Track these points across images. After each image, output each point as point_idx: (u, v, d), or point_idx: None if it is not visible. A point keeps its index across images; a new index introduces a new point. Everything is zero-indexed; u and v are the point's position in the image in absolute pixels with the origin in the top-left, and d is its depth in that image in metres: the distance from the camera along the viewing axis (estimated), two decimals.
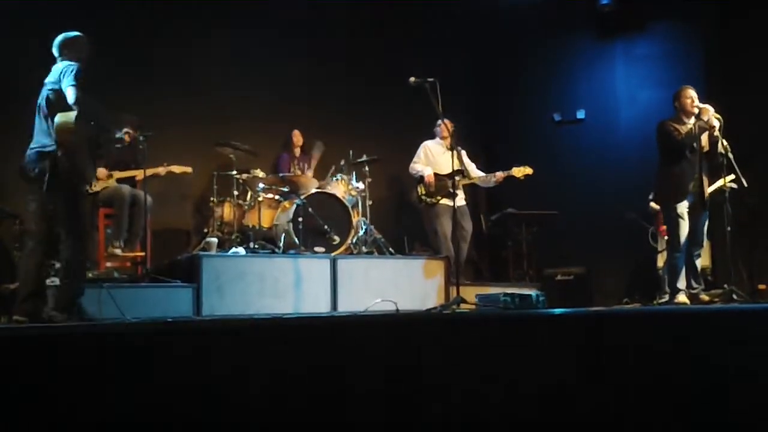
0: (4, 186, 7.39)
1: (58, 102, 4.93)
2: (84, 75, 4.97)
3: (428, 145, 8.22)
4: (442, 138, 7.99)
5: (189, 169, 7.47)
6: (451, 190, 6.80)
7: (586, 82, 9.70)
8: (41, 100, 5.04)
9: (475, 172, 8.18)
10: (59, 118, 4.85)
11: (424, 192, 8.03)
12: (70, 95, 4.85)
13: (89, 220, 5.19)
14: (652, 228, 8.46)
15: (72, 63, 5.02)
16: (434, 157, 8.10)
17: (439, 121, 7.17)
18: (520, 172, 7.94)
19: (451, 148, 6.48)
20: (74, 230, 5.04)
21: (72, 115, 4.84)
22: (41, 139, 5.01)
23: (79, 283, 5.09)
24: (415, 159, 8.22)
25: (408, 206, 8.91)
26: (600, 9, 9.29)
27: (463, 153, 7.83)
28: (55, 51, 5.22)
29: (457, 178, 7.63)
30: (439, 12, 9.48)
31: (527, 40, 9.73)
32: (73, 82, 4.86)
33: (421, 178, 8.06)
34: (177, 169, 7.37)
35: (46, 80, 5.10)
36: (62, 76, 4.94)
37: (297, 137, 8.54)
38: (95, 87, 7.52)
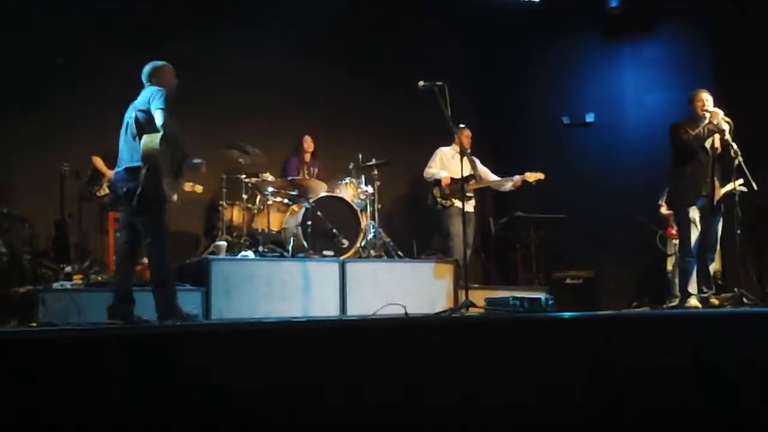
0: (14, 191, 7.42)
1: (146, 124, 5.24)
2: (171, 100, 5.31)
3: (443, 150, 8.35)
4: (457, 144, 8.02)
5: (199, 189, 7.52)
6: (465, 194, 6.84)
7: (593, 85, 9.69)
8: (129, 120, 5.34)
9: (489, 176, 8.30)
10: (146, 138, 5.16)
11: (440, 195, 8.12)
12: (158, 118, 5.16)
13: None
14: (660, 231, 8.44)
15: (160, 88, 5.35)
16: (448, 163, 8.18)
17: (456, 130, 7.19)
18: (532, 177, 8.01)
19: (462, 154, 6.50)
20: (158, 241, 5.31)
21: (157, 137, 5.14)
22: (128, 158, 5.31)
23: (171, 288, 5.37)
24: (430, 164, 8.34)
25: (417, 209, 8.91)
26: (607, 11, 9.28)
27: (477, 161, 7.89)
28: (143, 78, 5.55)
29: (471, 182, 7.73)
30: (447, 15, 9.48)
31: (535, 43, 9.71)
32: (162, 106, 5.19)
33: (437, 181, 8.16)
34: (187, 187, 7.41)
35: (135, 103, 5.40)
36: (151, 99, 5.25)
37: (308, 143, 8.55)
38: (104, 91, 7.70)
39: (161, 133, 5.14)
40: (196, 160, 5.59)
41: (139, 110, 5.31)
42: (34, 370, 2.79)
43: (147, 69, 5.57)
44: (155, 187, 5.18)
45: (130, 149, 5.30)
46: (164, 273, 5.34)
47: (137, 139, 5.23)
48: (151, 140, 5.14)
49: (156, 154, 5.12)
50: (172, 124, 5.21)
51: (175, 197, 5.49)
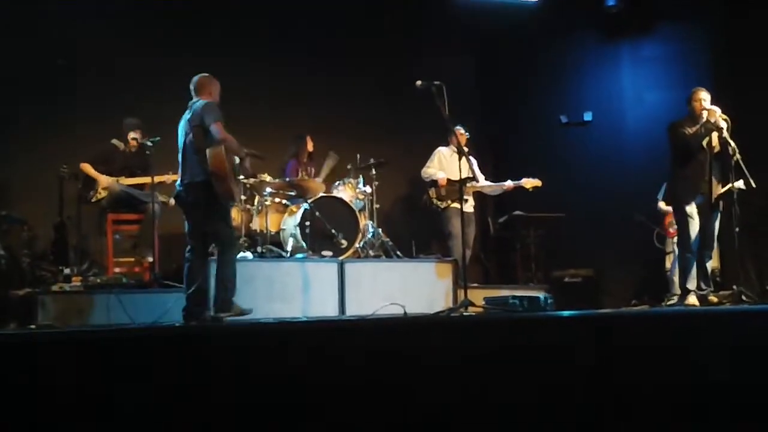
0: (13, 194, 7.42)
1: (205, 137, 5.59)
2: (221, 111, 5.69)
3: (441, 150, 8.33)
4: (454, 145, 8.02)
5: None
6: (462, 196, 6.83)
7: (592, 84, 9.68)
8: (188, 136, 5.68)
9: (483, 181, 8.27)
10: (210, 152, 5.53)
11: (435, 195, 8.12)
12: (216, 132, 5.54)
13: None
14: (657, 229, 8.44)
15: (208, 101, 5.71)
16: (446, 163, 8.17)
17: (452, 130, 7.20)
18: (529, 184, 8.04)
19: (459, 154, 6.50)
20: (226, 243, 5.78)
21: (220, 149, 5.53)
22: (192, 171, 5.66)
23: (233, 285, 5.75)
24: (428, 164, 8.32)
25: (415, 209, 8.90)
26: (606, 10, 9.27)
27: (474, 162, 7.88)
28: (192, 89, 5.86)
29: (468, 184, 7.73)
30: (444, 14, 9.47)
31: (533, 42, 9.71)
32: (217, 119, 5.57)
33: (434, 182, 8.14)
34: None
35: (187, 118, 5.74)
36: (204, 114, 5.61)
37: (309, 144, 8.47)
38: (104, 93, 7.71)
39: (222, 145, 5.53)
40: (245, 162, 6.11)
41: (195, 125, 5.63)
42: (34, 373, 2.80)
43: (194, 81, 5.86)
44: (224, 195, 5.60)
45: (193, 164, 5.64)
46: (229, 273, 5.71)
47: (200, 153, 5.57)
48: (217, 153, 5.51)
49: (224, 165, 5.51)
50: (227, 135, 5.58)
51: (237, 198, 6.03)
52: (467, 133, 8.19)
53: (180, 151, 5.80)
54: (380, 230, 8.00)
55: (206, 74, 5.90)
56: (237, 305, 5.77)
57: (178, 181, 5.83)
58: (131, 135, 7.26)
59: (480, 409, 3.48)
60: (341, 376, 3.28)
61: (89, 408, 2.83)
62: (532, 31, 9.58)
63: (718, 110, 6.45)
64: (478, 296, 6.36)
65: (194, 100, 5.81)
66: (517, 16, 9.51)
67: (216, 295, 5.73)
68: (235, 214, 7.67)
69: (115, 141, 7.42)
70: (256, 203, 7.72)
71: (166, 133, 7.04)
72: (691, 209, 6.54)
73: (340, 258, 7.30)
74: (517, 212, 8.90)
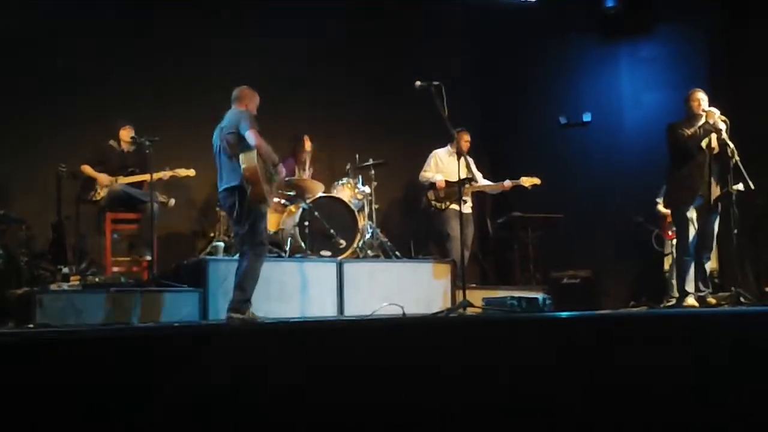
0: (11, 194, 7.42)
1: (238, 143, 5.84)
2: (255, 119, 5.97)
3: (438, 153, 8.36)
4: (453, 146, 8.01)
5: (192, 172, 7.50)
6: (462, 198, 6.83)
7: (591, 85, 9.69)
8: (222, 143, 5.95)
9: (481, 181, 8.29)
10: (243, 158, 5.77)
11: (434, 198, 8.13)
12: (250, 139, 5.78)
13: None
14: (656, 230, 8.44)
15: (243, 110, 6.01)
16: (444, 165, 8.18)
17: (453, 133, 7.17)
18: (528, 182, 8.06)
19: (458, 156, 6.50)
20: (254, 247, 5.89)
21: (253, 154, 5.77)
22: (227, 177, 5.95)
23: (251, 290, 5.87)
24: (425, 167, 8.35)
25: (414, 210, 8.91)
26: (605, 11, 9.27)
27: (471, 162, 7.88)
28: (232, 99, 6.15)
29: (467, 185, 7.73)
30: (444, 15, 9.48)
31: (532, 43, 9.71)
32: (251, 127, 5.82)
33: (432, 184, 8.15)
34: (181, 172, 7.40)
35: (222, 125, 6.02)
36: (238, 122, 5.87)
37: (307, 144, 8.44)
38: (102, 92, 7.71)
39: (255, 150, 5.75)
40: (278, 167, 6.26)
41: (229, 133, 5.89)
42: (31, 372, 2.79)
43: (237, 91, 6.15)
44: (256, 198, 5.78)
45: (227, 170, 5.93)
46: (248, 278, 5.83)
47: (233, 159, 5.83)
48: (250, 158, 5.74)
49: (257, 170, 5.72)
50: (262, 141, 5.83)
51: (270, 202, 6.15)
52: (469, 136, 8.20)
53: (216, 157, 6.04)
54: (379, 230, 8.00)
55: (247, 87, 6.15)
56: (252, 312, 5.87)
57: (219, 188, 6.09)
58: (124, 132, 7.29)
59: (478, 410, 3.48)
60: (339, 376, 3.27)
61: (87, 408, 2.83)
62: (531, 32, 9.59)
63: (717, 112, 6.45)
64: (477, 297, 6.37)
65: (231, 109, 6.07)
66: (516, 17, 9.52)
67: (233, 296, 5.85)
68: None
69: (112, 142, 7.43)
70: None
71: (165, 132, 7.08)
72: (691, 213, 6.54)
73: (339, 258, 7.30)
74: (516, 213, 8.90)
